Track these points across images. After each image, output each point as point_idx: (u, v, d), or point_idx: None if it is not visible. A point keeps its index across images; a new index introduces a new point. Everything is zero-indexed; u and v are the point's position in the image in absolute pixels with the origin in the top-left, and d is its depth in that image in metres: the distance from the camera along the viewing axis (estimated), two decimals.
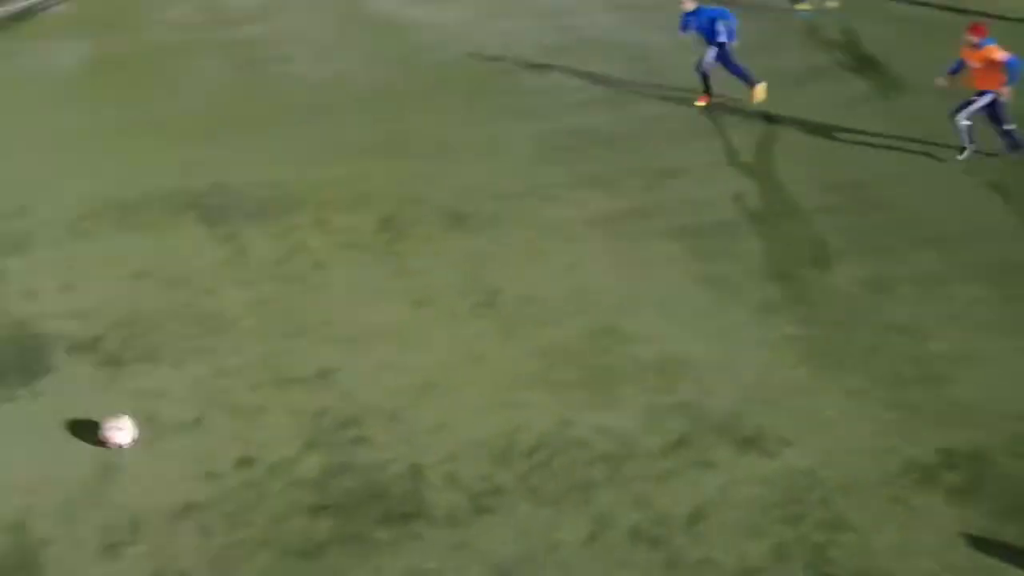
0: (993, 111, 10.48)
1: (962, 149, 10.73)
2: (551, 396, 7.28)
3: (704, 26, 12.39)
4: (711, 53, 12.41)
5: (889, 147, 11.21)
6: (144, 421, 6.92)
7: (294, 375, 7.56)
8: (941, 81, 10.85)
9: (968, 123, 10.56)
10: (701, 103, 12.70)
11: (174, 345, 7.90)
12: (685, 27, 12.64)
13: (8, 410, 7.11)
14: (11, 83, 13.68)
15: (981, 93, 10.42)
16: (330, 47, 15.50)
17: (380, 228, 9.92)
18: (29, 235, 9.50)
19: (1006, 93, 10.27)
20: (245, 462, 6.61)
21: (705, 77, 12.60)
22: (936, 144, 10.96)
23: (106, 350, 7.82)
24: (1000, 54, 10.26)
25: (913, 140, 11.20)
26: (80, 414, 6.99)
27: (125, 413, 6.77)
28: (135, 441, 6.70)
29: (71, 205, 10.11)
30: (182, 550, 5.87)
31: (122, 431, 6.67)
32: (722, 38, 12.28)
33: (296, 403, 7.24)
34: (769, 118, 12.14)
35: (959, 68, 10.69)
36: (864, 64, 13.71)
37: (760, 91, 12.53)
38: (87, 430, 6.81)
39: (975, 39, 10.42)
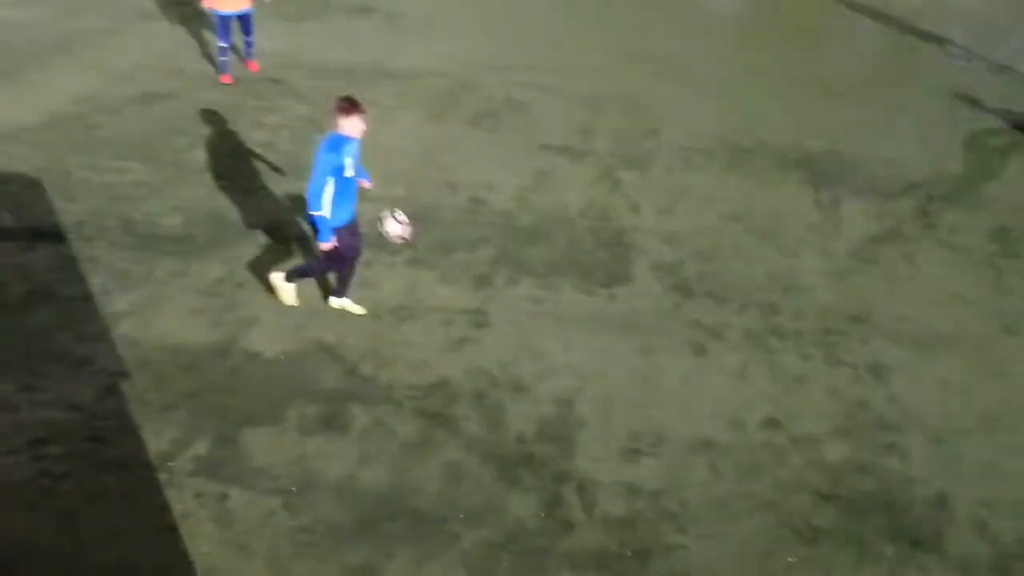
0: None
1: None
2: None
3: None
4: None
5: None
6: (695, 352, 7.34)
7: (848, 359, 7.35)
8: None
9: None
10: None
11: (742, 291, 8.13)
12: None
13: (585, 302, 7.96)
14: (686, 14, 14.83)
15: None
16: (1002, 29, 14.19)
17: (991, 236, 9.06)
18: (650, 156, 10.37)
19: None
20: (772, 423, 6.66)
21: None
22: None
23: (681, 276, 8.33)
24: None
25: None
26: (640, 326, 7.63)
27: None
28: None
29: (692, 137, 10.80)
30: (691, 479, 6.17)
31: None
32: None
33: (840, 387, 7.05)
34: None
35: None
36: None
37: None
38: (641, 342, 7.43)
39: None
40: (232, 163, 9.74)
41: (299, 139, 10.27)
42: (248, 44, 11.77)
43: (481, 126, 10.90)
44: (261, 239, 8.52)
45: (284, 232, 8.64)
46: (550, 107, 11.32)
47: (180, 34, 13.01)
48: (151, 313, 7.51)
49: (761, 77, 12.45)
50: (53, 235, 8.38)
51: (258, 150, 10.01)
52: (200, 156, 9.83)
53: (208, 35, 12.82)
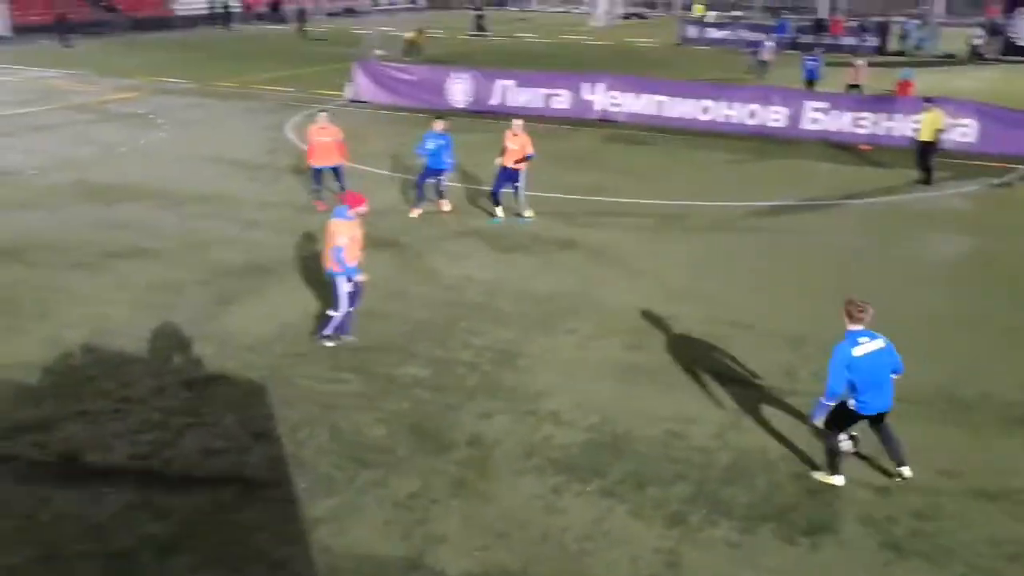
0: None
1: None
2: None
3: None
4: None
5: None
6: None
7: None
8: None
9: None
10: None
11: (962, 556, 7.41)
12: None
13: (786, 551, 7.50)
14: (893, 262, 14.59)
15: None
16: None
17: None
18: None
19: None
20: None
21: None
22: None
23: (892, 534, 7.72)
24: None
25: None
26: None
27: None
28: None
29: (904, 385, 10.23)
30: None
31: None
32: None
33: None
34: None
35: None
36: None
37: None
38: None
39: None
40: (438, 380, 10.16)
41: (501, 361, 10.64)
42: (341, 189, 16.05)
43: (682, 359, 10.90)
44: (458, 455, 8.70)
45: (481, 449, 8.80)
46: (751, 344, 11.20)
47: (407, 259, 14.10)
48: (347, 521, 7.72)
49: (978, 328, 11.86)
50: (269, 437, 8.93)
51: (462, 369, 10.44)
52: (409, 371, 10.34)
53: (431, 265, 13.83)
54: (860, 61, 28.99)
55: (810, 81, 29.23)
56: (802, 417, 9.51)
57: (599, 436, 9.14)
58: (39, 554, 7.27)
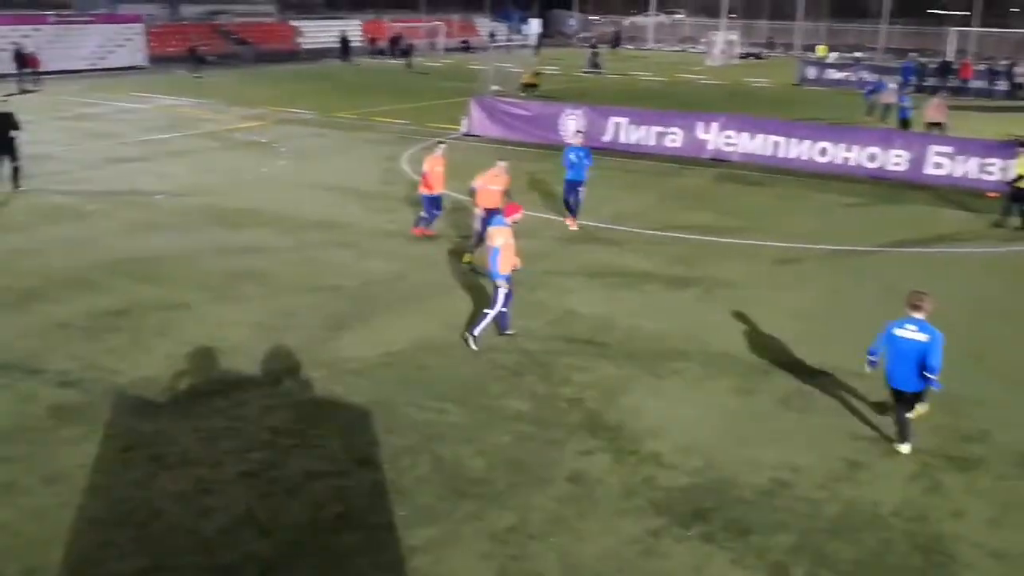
0: None
1: None
2: None
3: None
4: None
5: None
6: None
7: None
8: None
9: None
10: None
11: None
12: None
13: None
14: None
15: None
16: None
17: None
18: (979, 460, 9.44)
19: None
20: None
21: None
22: None
23: None
24: None
25: None
26: None
27: None
28: None
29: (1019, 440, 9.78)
30: None
31: None
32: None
33: None
34: None
35: None
36: None
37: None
38: None
39: None
40: (540, 415, 10.14)
41: (604, 399, 10.55)
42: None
43: (792, 406, 10.60)
44: (557, 491, 8.64)
45: (580, 486, 8.72)
46: (866, 394, 10.80)
47: (513, 291, 14.16)
48: (444, 551, 7.74)
49: None
50: (372, 463, 9.06)
51: (564, 405, 10.39)
52: (511, 404, 10.36)
53: (537, 298, 13.87)
54: (940, 98, 28.27)
55: (904, 121, 28.52)
56: (919, 474, 9.14)
57: (702, 480, 8.94)
58: (149, 564, 7.52)
